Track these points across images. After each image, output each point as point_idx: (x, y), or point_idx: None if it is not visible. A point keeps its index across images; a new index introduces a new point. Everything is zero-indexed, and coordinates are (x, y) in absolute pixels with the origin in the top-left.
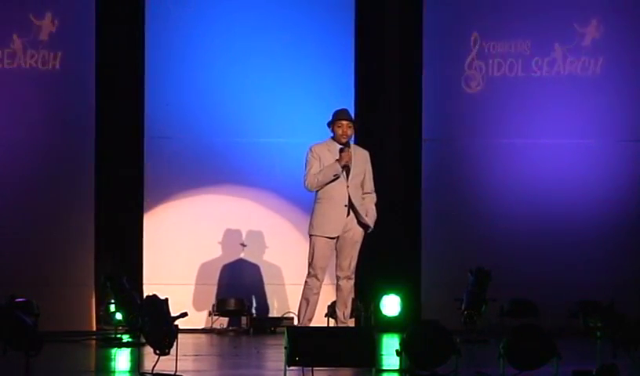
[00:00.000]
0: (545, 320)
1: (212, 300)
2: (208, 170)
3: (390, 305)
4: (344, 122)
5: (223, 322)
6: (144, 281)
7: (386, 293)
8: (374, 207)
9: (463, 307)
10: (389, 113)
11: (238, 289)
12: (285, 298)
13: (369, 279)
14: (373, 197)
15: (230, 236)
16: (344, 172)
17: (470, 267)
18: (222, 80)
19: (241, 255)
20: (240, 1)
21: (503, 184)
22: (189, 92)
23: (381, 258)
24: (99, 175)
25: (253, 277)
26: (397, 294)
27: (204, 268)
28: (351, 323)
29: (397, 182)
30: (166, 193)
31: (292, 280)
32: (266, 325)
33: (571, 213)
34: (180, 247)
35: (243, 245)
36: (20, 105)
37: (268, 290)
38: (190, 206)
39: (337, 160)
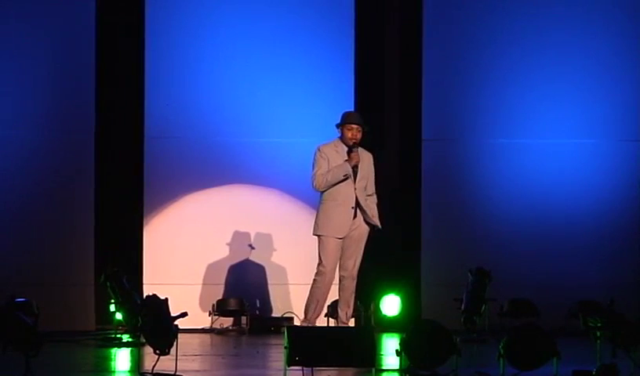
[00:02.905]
0: (545, 320)
1: (212, 300)
2: (208, 170)
3: (390, 305)
4: (355, 126)
5: (223, 322)
6: (144, 281)
7: (386, 293)
8: (376, 208)
9: (463, 307)
10: (389, 113)
11: (239, 289)
12: (288, 299)
13: (369, 279)
14: (375, 198)
15: (230, 236)
16: (352, 174)
17: (470, 267)
18: (223, 80)
19: (244, 255)
20: (241, 2)
21: (503, 184)
22: (190, 92)
23: (381, 258)
24: (99, 176)
25: (256, 277)
26: (397, 294)
27: (204, 268)
28: (351, 323)
29: (397, 182)
30: (166, 194)
31: (296, 280)
32: (266, 325)
33: (571, 213)
34: (180, 247)
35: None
36: (19, 105)
37: (271, 290)
38: (190, 206)
39: (347, 160)
